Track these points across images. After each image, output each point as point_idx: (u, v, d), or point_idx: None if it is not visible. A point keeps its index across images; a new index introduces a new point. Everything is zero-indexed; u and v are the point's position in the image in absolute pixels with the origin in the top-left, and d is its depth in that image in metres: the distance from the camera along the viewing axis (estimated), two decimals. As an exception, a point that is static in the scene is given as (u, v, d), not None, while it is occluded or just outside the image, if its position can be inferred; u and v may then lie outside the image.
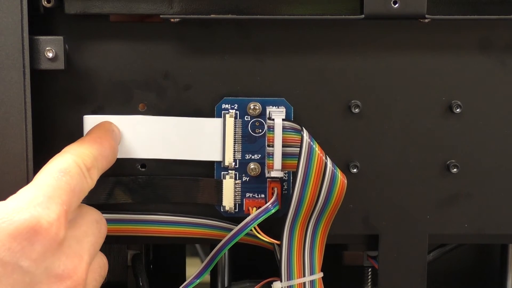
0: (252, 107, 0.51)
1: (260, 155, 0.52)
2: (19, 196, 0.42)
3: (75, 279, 0.43)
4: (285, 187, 0.52)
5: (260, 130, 0.52)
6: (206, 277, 0.56)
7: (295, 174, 0.49)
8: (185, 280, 0.52)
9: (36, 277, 0.41)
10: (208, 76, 0.51)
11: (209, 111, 0.51)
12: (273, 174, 0.50)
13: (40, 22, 0.49)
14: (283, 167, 0.50)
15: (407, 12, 0.49)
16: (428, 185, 0.53)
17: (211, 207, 0.52)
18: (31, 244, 0.41)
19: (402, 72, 0.52)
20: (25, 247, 0.41)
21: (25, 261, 0.41)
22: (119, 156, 0.50)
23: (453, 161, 0.52)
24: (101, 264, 0.47)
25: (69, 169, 0.44)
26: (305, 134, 0.48)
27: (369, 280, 0.63)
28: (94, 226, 0.47)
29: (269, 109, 0.51)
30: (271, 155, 0.50)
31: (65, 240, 0.43)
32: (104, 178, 0.51)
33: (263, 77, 0.51)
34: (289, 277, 0.50)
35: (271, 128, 0.49)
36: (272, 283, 0.51)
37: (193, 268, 0.62)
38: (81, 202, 0.46)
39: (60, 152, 0.46)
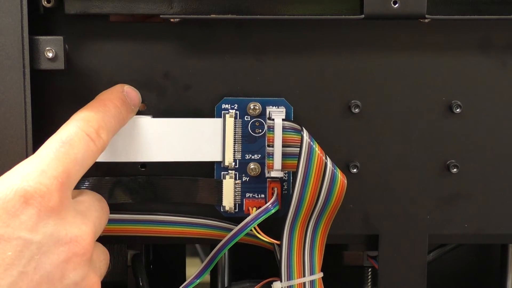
0: (252, 107, 0.51)
1: (260, 155, 0.52)
2: (13, 172, 0.43)
3: (84, 245, 0.44)
4: (285, 187, 0.52)
5: (260, 130, 0.52)
6: (206, 277, 0.56)
7: (295, 174, 0.49)
8: (185, 280, 0.52)
9: (43, 245, 0.42)
10: (208, 76, 0.51)
11: (209, 111, 0.51)
12: (273, 174, 0.50)
13: (40, 22, 0.49)
14: (283, 167, 0.50)
15: (407, 12, 0.49)
16: (428, 185, 0.53)
17: (211, 207, 0.52)
18: (22, 214, 0.42)
19: (402, 72, 0.52)
20: (17, 218, 0.42)
21: (23, 231, 0.42)
22: (119, 160, 0.50)
23: (453, 161, 0.52)
24: (104, 251, 0.48)
25: (71, 137, 0.45)
26: (305, 134, 0.48)
27: (369, 280, 0.63)
28: (97, 203, 0.48)
29: (269, 109, 0.51)
30: (271, 155, 0.50)
31: (68, 211, 0.44)
32: (104, 178, 0.51)
33: (263, 77, 0.51)
34: (289, 277, 0.50)
35: (271, 128, 0.49)
36: (272, 283, 0.51)
37: (193, 268, 0.62)
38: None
39: (67, 121, 0.47)
